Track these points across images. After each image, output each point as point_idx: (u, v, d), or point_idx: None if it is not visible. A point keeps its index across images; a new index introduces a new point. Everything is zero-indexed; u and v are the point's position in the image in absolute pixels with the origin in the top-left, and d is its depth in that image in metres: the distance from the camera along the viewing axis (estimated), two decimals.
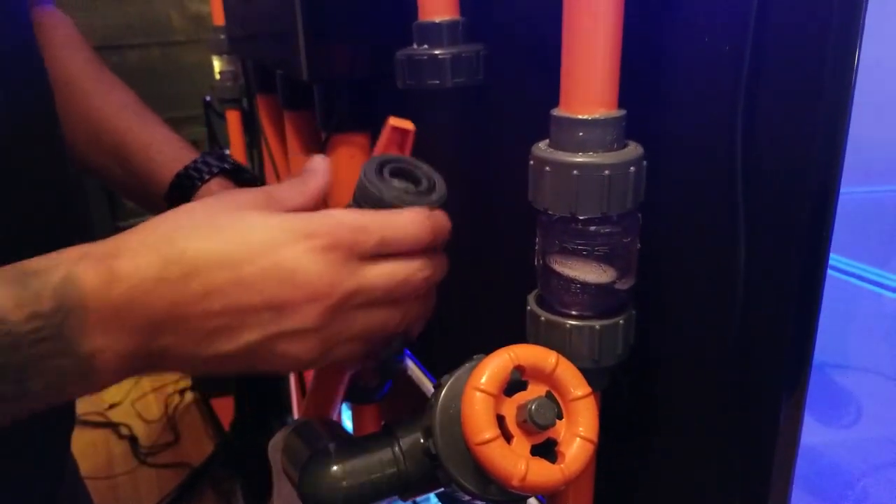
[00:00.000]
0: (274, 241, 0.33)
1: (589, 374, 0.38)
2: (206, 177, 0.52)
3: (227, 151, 1.35)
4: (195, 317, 0.32)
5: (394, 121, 0.44)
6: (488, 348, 0.45)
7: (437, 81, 0.47)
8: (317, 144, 0.78)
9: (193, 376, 0.46)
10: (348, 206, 0.39)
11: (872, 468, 0.82)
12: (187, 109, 2.10)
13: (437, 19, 0.48)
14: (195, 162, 0.53)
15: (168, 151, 0.54)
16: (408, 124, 0.43)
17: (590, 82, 0.35)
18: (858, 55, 0.33)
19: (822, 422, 0.88)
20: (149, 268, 0.31)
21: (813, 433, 0.85)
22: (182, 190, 0.52)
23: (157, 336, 0.32)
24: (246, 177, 0.58)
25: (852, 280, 0.85)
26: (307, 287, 0.32)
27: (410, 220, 0.36)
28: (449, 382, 0.38)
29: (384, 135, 0.44)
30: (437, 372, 0.74)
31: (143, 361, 0.32)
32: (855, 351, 0.90)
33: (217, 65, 1.21)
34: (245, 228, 0.33)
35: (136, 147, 0.54)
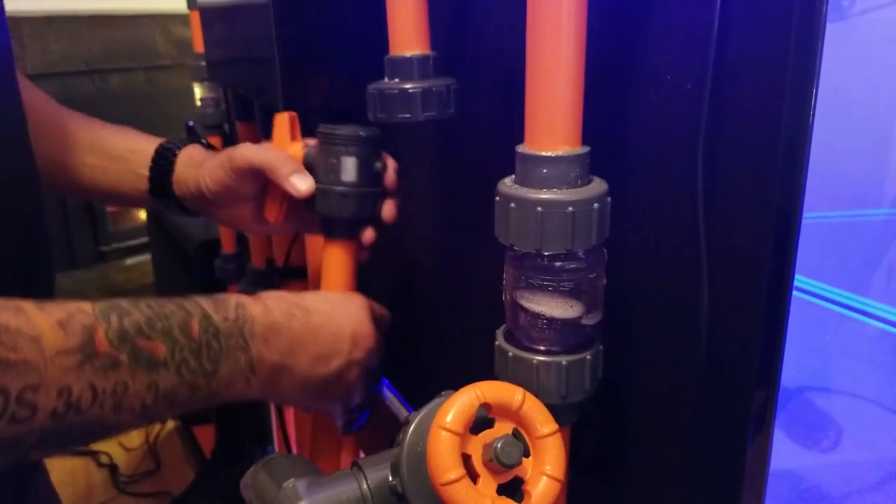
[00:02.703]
0: (348, 303, 0.52)
1: (556, 410, 0.37)
2: (184, 144, 0.63)
3: None
4: (311, 342, 0.47)
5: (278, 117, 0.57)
6: (463, 379, 0.45)
7: (408, 115, 0.48)
8: None
9: (294, 405, 0.57)
10: None
11: (855, 491, 0.82)
12: (172, 133, 2.09)
13: (408, 54, 0.48)
14: (169, 140, 0.63)
15: (144, 137, 0.64)
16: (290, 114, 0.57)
17: (553, 120, 0.36)
18: (816, 88, 0.34)
19: (803, 445, 0.88)
20: (283, 308, 0.47)
21: (794, 457, 0.85)
22: (167, 155, 0.62)
23: (290, 354, 0.46)
24: (213, 149, 0.67)
25: (832, 306, 0.86)
26: (366, 330, 0.51)
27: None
28: (416, 420, 0.38)
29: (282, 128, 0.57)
30: (415, 402, 0.74)
31: (280, 374, 0.45)
32: (837, 375, 0.90)
33: (198, 91, 1.21)
34: (329, 295, 0.53)
35: (113, 136, 0.63)
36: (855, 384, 0.91)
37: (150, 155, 0.61)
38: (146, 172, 0.62)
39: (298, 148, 0.57)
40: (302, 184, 0.54)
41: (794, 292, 0.38)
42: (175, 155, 0.62)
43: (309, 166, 0.56)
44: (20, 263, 0.47)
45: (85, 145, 0.61)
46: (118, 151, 0.62)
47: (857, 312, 0.86)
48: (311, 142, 0.57)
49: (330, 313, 0.49)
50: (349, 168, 0.54)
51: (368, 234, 0.58)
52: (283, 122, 0.56)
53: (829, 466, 0.88)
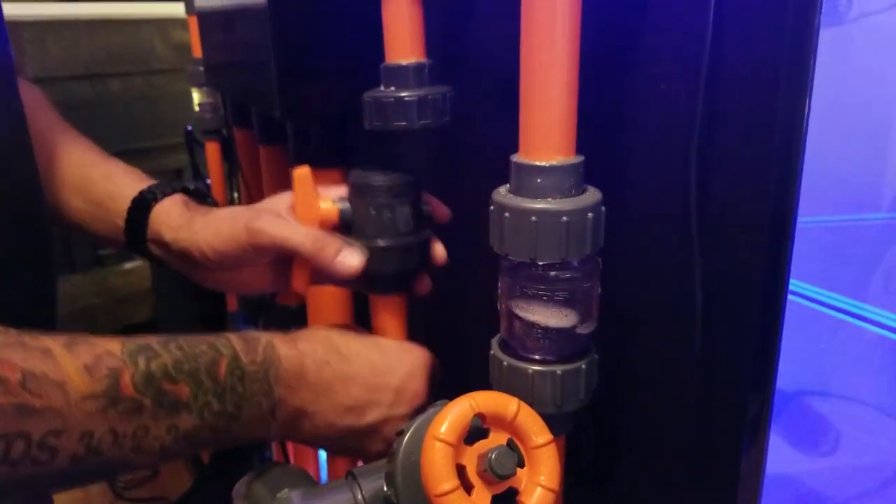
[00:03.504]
0: (404, 354, 0.49)
1: (551, 420, 0.37)
2: (163, 195, 0.55)
3: (208, 181, 1.35)
4: (341, 392, 0.45)
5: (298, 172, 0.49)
6: (458, 388, 0.45)
7: (404, 123, 0.47)
8: (290, 179, 0.78)
9: (320, 448, 0.53)
10: None
11: (854, 495, 0.82)
12: (171, 138, 2.09)
13: (404, 62, 0.48)
14: (154, 185, 0.56)
15: (128, 179, 0.57)
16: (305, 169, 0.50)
17: (548, 130, 0.36)
18: (810, 95, 0.34)
19: (801, 449, 0.88)
20: (319, 352, 0.45)
21: (793, 461, 0.85)
22: (141, 207, 0.55)
23: (315, 401, 0.44)
24: (209, 201, 0.59)
25: (829, 311, 0.86)
26: (416, 386, 0.48)
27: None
28: (411, 430, 0.38)
29: (306, 186, 0.50)
30: None
31: (301, 419, 0.44)
32: (834, 379, 0.90)
33: (196, 97, 1.21)
34: (386, 345, 0.50)
35: (97, 177, 0.57)
36: (852, 388, 0.91)
37: (127, 205, 0.55)
38: (122, 224, 0.55)
39: (330, 204, 0.49)
40: (354, 260, 0.47)
41: (792, 297, 0.38)
42: (149, 210, 0.54)
43: (346, 222, 0.50)
44: (23, 271, 0.47)
45: (71, 186, 0.57)
46: (100, 197, 0.56)
47: (855, 317, 0.86)
48: (334, 193, 0.51)
49: (374, 364, 0.47)
50: (406, 217, 0.49)
51: (426, 284, 0.53)
52: (305, 180, 0.49)
53: (828, 470, 0.87)
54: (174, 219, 0.53)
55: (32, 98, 0.56)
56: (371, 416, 0.46)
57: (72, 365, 0.34)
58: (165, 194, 0.55)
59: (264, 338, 0.43)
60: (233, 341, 0.42)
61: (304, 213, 0.49)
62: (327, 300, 0.70)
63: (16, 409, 0.30)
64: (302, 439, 0.46)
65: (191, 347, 0.39)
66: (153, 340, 0.38)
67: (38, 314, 0.50)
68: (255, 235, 0.47)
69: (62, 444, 0.32)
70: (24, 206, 0.48)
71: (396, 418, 0.47)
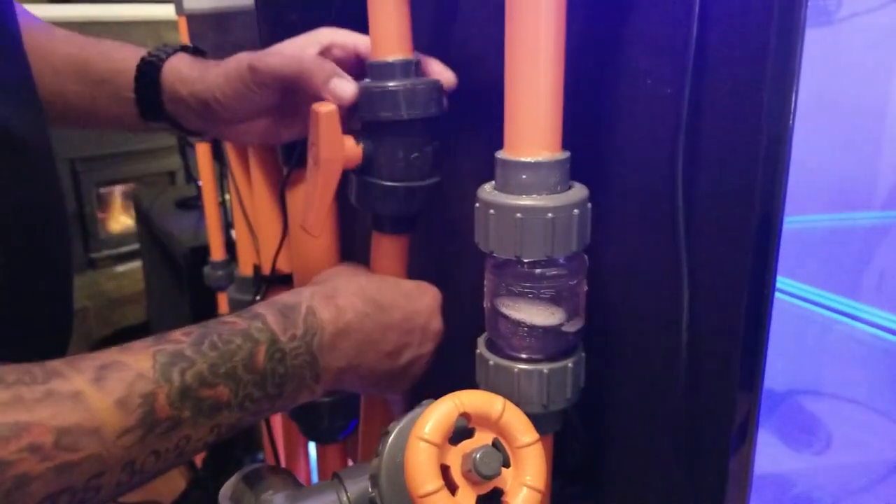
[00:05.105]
0: (423, 295, 0.49)
1: (538, 419, 0.37)
2: (167, 56, 0.55)
3: (199, 183, 1.34)
4: (381, 340, 0.46)
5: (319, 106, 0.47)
6: (445, 387, 0.44)
7: (390, 114, 0.47)
8: (279, 179, 0.77)
9: (365, 394, 0.54)
10: None
11: (847, 493, 0.82)
12: (164, 140, 2.09)
13: (391, 59, 0.47)
14: (153, 50, 0.56)
15: (125, 54, 0.57)
16: (331, 106, 0.47)
17: (533, 125, 0.35)
18: (796, 92, 0.34)
19: (793, 448, 0.88)
20: (358, 305, 0.45)
21: (785, 460, 0.85)
22: (149, 72, 0.55)
23: (358, 354, 0.44)
24: (201, 54, 0.60)
25: (821, 310, 0.85)
26: (437, 324, 0.49)
27: None
28: (395, 430, 0.37)
29: (334, 124, 0.47)
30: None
31: (345, 374, 0.44)
32: (827, 378, 0.90)
33: None
34: (406, 287, 0.49)
35: (95, 58, 0.57)
36: (845, 387, 0.90)
37: (133, 75, 0.55)
38: (132, 95, 0.55)
39: (353, 144, 0.48)
40: (347, 88, 0.46)
41: (784, 296, 0.37)
42: (159, 70, 0.54)
43: (368, 161, 0.48)
44: (39, 295, 0.46)
45: (68, 71, 0.56)
46: (102, 75, 0.56)
47: (847, 316, 0.86)
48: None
49: (404, 309, 0.47)
50: (432, 156, 0.48)
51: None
52: (333, 118, 0.46)
53: (820, 469, 0.87)
54: (185, 73, 0.54)
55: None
56: (404, 358, 0.47)
57: (104, 405, 0.33)
58: (168, 55, 0.55)
59: (304, 304, 0.43)
60: (269, 321, 0.40)
61: (329, 152, 0.47)
62: (315, 258, 0.68)
63: (55, 472, 0.30)
64: (341, 388, 0.46)
65: (225, 344, 0.38)
66: (185, 344, 0.37)
67: (56, 317, 0.49)
68: (257, 72, 0.49)
69: (105, 481, 0.33)
70: (48, 207, 0.47)
71: (424, 356, 0.48)
